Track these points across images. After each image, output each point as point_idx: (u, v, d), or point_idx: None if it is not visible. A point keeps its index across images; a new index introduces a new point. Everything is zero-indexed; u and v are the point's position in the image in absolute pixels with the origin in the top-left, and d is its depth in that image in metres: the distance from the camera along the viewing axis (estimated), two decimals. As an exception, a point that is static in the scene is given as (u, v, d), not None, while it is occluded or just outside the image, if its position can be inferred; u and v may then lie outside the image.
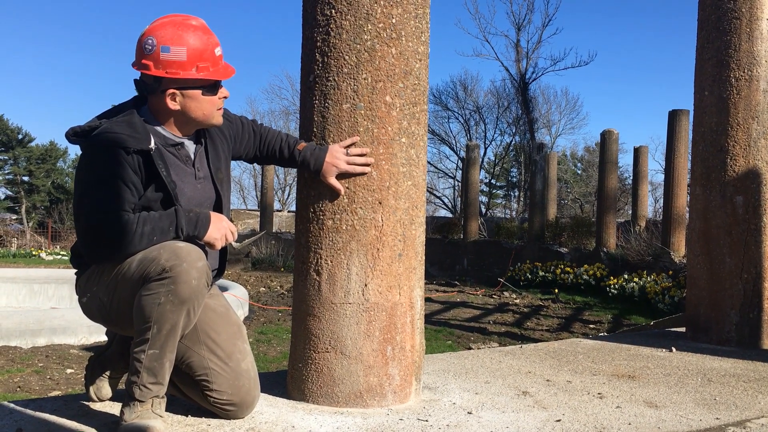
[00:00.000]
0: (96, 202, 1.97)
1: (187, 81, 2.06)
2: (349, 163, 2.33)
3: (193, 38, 2.05)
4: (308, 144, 2.41)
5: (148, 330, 1.90)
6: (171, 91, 2.07)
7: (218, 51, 2.11)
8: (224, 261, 2.35)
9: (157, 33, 2.03)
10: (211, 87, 2.12)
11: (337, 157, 2.33)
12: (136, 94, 2.15)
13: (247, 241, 11.40)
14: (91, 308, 2.10)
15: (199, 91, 2.09)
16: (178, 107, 2.09)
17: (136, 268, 1.94)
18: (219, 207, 2.24)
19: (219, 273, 2.36)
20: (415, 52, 2.43)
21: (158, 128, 2.12)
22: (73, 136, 2.05)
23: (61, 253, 19.36)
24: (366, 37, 2.34)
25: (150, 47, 2.03)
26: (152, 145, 2.04)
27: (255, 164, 2.87)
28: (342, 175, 2.35)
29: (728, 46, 3.91)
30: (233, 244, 2.23)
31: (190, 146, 2.20)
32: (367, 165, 2.35)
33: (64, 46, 70.60)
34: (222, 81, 2.16)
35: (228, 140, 2.35)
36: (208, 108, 2.13)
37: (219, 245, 2.11)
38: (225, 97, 2.19)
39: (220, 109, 2.18)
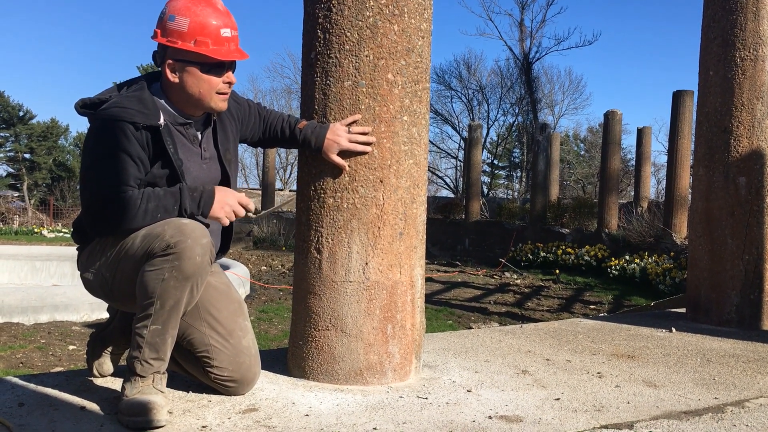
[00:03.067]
0: (102, 175, 1.97)
1: (186, 54, 2.04)
2: (350, 141, 2.31)
3: (201, 12, 2.02)
4: (309, 122, 2.40)
5: (151, 305, 1.91)
6: (170, 61, 2.06)
7: (226, 32, 2.05)
8: (229, 239, 2.35)
9: (173, 3, 2.05)
10: (212, 66, 2.07)
11: (338, 135, 2.31)
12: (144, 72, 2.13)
13: (264, 212, 11.52)
14: (93, 284, 2.10)
15: (197, 68, 2.05)
16: (176, 80, 2.07)
17: (140, 243, 1.94)
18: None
19: (223, 251, 2.35)
20: (417, 29, 2.40)
21: (167, 106, 2.10)
22: (82, 107, 2.04)
23: (63, 230, 19.39)
24: (368, 13, 2.32)
25: (162, 15, 2.06)
26: (161, 121, 2.03)
27: (258, 147, 2.86)
28: (343, 154, 2.33)
29: (734, 25, 3.87)
30: (249, 215, 2.21)
31: (198, 126, 2.19)
32: (369, 144, 2.33)
33: (66, 23, 70.15)
34: (227, 65, 2.09)
35: (236, 122, 2.34)
36: (205, 87, 2.07)
37: (225, 222, 2.10)
38: (230, 83, 2.12)
39: (223, 94, 2.12)
